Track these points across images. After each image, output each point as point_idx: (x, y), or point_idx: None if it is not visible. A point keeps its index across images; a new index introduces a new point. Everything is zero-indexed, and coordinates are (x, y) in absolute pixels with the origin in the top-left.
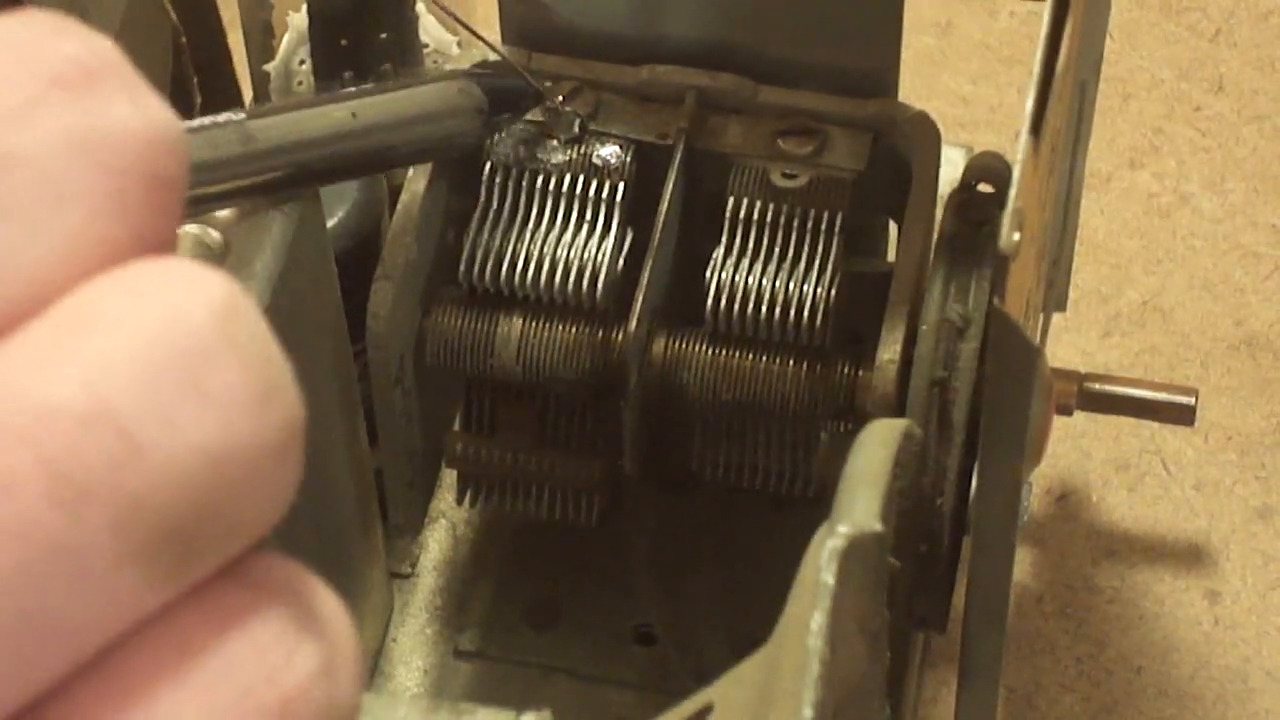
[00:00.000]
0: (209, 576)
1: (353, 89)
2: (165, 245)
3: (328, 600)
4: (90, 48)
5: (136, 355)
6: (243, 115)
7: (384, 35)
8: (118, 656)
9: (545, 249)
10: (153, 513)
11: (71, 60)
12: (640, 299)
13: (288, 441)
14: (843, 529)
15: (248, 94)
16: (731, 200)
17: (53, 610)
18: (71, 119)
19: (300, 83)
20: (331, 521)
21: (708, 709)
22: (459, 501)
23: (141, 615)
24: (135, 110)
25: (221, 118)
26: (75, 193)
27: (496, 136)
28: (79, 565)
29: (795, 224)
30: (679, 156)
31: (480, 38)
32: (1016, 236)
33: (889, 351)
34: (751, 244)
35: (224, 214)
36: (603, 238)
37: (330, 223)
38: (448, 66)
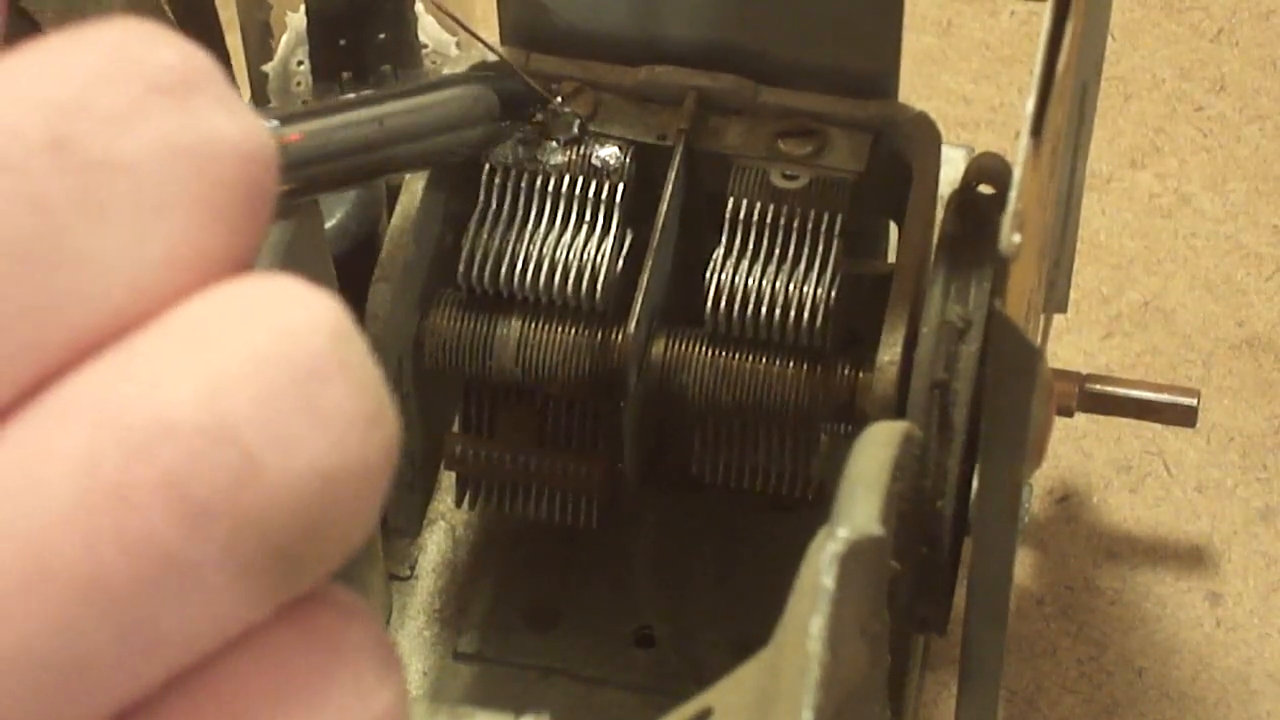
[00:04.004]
0: (299, 596)
1: (373, 92)
2: (252, 258)
3: (387, 632)
4: (189, 57)
5: (255, 373)
6: (272, 123)
7: (383, 35)
8: (215, 671)
9: (544, 250)
10: (266, 531)
11: (171, 69)
12: (640, 300)
13: (388, 462)
14: (843, 532)
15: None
16: (731, 201)
17: (159, 621)
18: (171, 127)
19: (299, 83)
20: None
21: (707, 712)
22: (458, 503)
23: (240, 631)
24: (232, 121)
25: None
26: (175, 201)
27: None
28: (191, 580)
29: (795, 225)
30: (679, 157)
31: (479, 38)
32: (1017, 238)
33: (889, 353)
34: (751, 245)
35: None
36: (602, 239)
37: (329, 224)
38: (445, 68)
